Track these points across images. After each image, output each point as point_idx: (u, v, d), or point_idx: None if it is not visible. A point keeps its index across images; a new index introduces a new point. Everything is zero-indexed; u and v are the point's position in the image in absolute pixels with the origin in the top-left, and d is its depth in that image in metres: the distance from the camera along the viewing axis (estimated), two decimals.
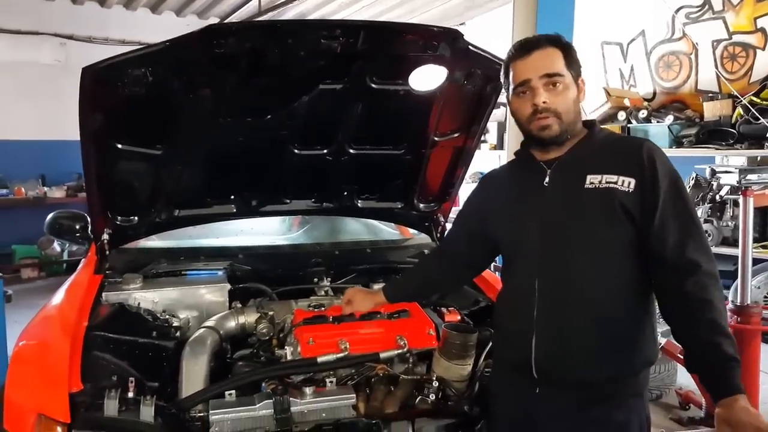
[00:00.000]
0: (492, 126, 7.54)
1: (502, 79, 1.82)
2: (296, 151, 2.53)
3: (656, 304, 1.69)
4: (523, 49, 1.70)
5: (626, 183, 1.61)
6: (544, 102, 1.65)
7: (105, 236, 2.46)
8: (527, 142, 1.80)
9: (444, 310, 2.44)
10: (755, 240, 5.53)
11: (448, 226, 3.05)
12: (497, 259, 2.04)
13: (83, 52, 7.85)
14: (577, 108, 1.72)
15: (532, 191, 1.75)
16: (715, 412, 1.48)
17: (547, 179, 1.72)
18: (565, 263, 1.67)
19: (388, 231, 3.41)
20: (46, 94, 8.15)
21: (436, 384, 2.02)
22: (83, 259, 2.72)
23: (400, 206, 2.93)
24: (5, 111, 8.11)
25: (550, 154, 1.74)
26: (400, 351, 2.10)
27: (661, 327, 2.00)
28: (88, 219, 2.78)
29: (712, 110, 4.88)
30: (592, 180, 1.65)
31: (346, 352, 2.02)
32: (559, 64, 1.67)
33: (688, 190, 5.97)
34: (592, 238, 1.65)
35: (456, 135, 2.60)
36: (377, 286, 2.64)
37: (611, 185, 1.62)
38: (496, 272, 3.61)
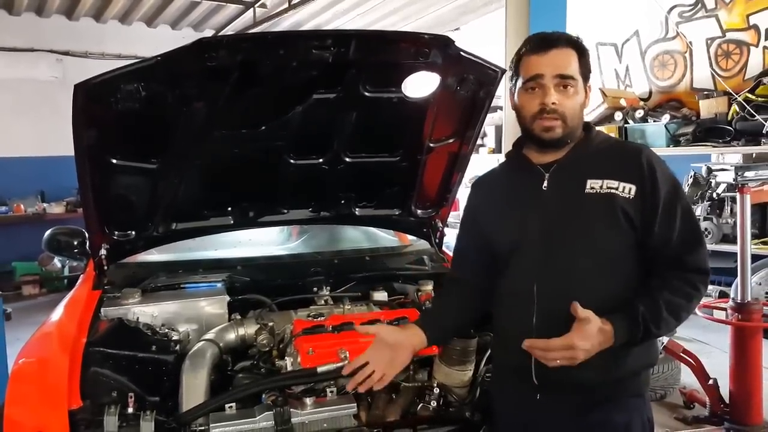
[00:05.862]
0: (490, 130, 7.52)
1: (510, 72, 1.77)
2: (292, 161, 2.53)
3: None
4: (542, 44, 1.67)
5: (627, 189, 1.62)
6: (553, 102, 1.63)
7: (103, 251, 2.45)
8: (524, 141, 1.78)
9: None
10: (755, 236, 5.54)
11: (447, 231, 3.06)
12: None
13: (80, 68, 7.89)
14: (582, 113, 1.72)
15: (529, 195, 1.74)
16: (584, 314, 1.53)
17: (545, 183, 1.71)
18: (565, 267, 1.66)
19: (386, 238, 3.41)
20: (44, 111, 8.19)
21: (437, 391, 2.03)
22: (82, 275, 2.72)
23: (397, 213, 2.92)
24: (3, 128, 8.15)
25: (547, 157, 1.73)
26: None
27: None
28: (86, 234, 2.78)
29: (708, 108, 4.87)
30: (593, 185, 1.64)
31: (347, 361, 2.01)
32: (574, 66, 1.66)
33: (687, 189, 6.01)
34: (593, 243, 1.65)
35: (451, 140, 2.60)
36: (377, 294, 2.65)
37: (612, 191, 1.62)
38: None
